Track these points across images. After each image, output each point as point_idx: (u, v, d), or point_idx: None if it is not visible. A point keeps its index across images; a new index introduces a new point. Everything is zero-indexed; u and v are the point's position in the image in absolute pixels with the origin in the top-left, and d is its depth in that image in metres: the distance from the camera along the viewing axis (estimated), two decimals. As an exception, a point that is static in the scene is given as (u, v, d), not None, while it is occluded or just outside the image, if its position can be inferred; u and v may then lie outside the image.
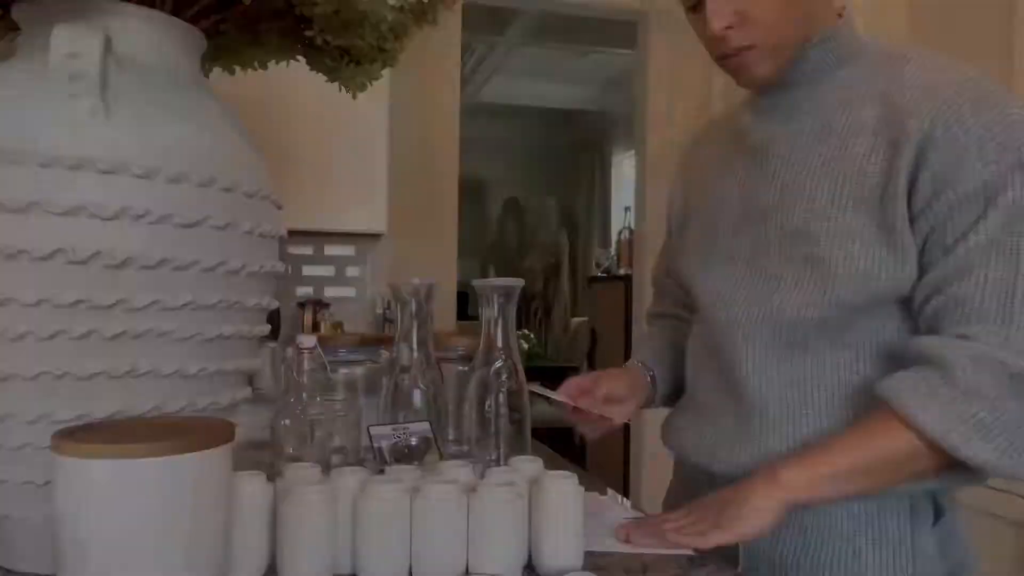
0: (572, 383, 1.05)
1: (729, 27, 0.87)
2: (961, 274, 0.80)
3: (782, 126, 0.94)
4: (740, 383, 0.93)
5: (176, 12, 0.79)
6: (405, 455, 0.93)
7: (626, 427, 3.47)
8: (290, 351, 0.93)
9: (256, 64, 0.99)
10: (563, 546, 0.77)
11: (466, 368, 1.14)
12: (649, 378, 1.13)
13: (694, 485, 1.01)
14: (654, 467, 3.18)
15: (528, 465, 0.87)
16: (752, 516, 0.81)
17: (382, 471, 0.85)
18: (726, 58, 0.91)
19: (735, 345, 0.93)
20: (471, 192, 6.82)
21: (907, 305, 0.86)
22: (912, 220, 0.82)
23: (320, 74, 0.99)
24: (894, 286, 0.84)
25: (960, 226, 0.80)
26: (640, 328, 3.27)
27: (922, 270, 0.83)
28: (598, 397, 1.04)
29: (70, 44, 0.66)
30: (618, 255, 4.19)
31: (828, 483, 0.82)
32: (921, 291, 0.83)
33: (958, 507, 0.93)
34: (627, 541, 0.86)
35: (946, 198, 0.80)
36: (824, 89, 0.91)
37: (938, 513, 0.89)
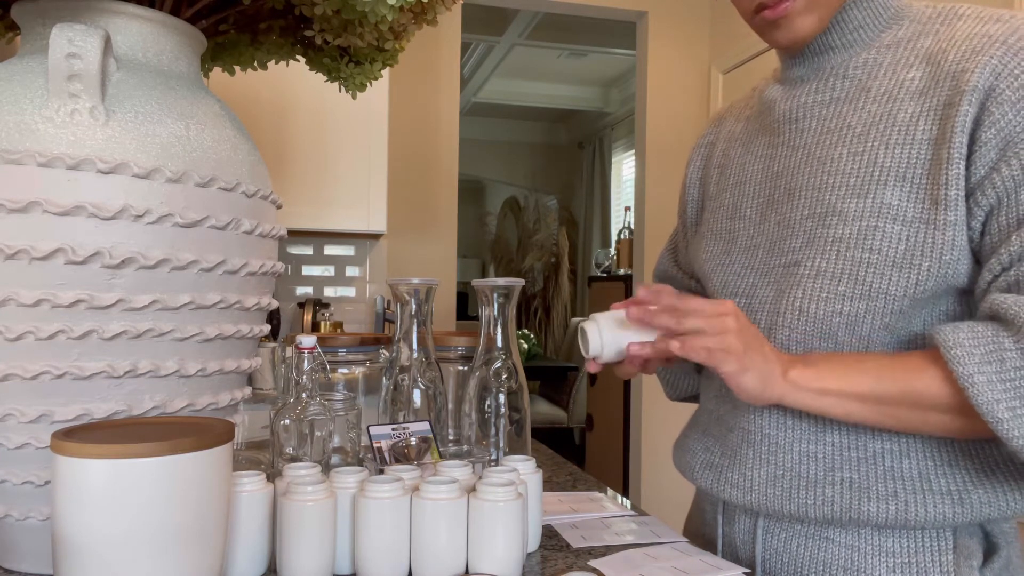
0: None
1: None
2: None
3: (814, 95, 0.85)
4: None
5: (176, 12, 0.79)
6: (404, 455, 0.93)
7: (626, 426, 3.47)
8: (290, 351, 0.93)
9: (256, 64, 0.99)
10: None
11: (466, 368, 1.13)
12: None
13: (707, 514, 0.95)
14: (653, 467, 3.18)
15: (522, 464, 0.87)
16: (745, 386, 0.75)
17: (382, 471, 0.85)
18: (764, 8, 0.81)
19: None
20: (471, 192, 6.85)
21: (956, 301, 0.77)
22: (971, 190, 0.72)
23: (320, 74, 0.99)
24: (937, 273, 0.74)
25: None
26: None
27: (977, 250, 0.74)
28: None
29: (70, 44, 0.66)
30: (618, 255, 4.19)
31: (834, 399, 0.74)
32: (990, 270, 0.72)
33: (1015, 540, 0.80)
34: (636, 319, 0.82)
35: (1018, 160, 0.70)
36: (864, 54, 0.83)
37: (990, 550, 0.79)
